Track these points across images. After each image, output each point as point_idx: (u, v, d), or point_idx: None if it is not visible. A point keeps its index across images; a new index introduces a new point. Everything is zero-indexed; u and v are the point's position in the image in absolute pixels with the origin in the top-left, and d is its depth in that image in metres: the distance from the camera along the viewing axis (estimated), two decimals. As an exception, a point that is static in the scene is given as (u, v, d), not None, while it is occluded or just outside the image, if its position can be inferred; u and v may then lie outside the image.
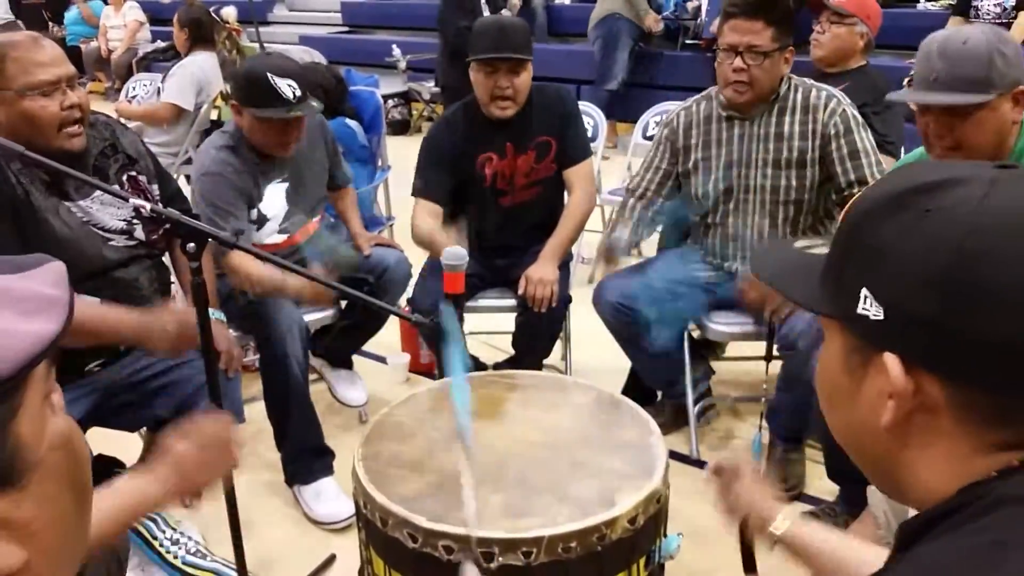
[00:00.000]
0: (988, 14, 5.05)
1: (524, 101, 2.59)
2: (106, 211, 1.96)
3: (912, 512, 1.40)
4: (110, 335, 1.85)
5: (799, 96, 2.39)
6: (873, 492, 1.52)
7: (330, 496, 2.42)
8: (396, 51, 7.40)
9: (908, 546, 0.67)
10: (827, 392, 0.76)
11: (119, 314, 1.85)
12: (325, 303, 2.41)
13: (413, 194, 2.70)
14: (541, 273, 2.52)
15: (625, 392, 2.65)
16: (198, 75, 4.60)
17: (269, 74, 2.31)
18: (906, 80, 2.31)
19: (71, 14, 9.53)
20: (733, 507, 1.28)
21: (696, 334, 2.74)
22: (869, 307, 0.66)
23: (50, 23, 8.98)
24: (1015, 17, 4.97)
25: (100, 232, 1.94)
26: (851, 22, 2.98)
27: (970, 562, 0.58)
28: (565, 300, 2.64)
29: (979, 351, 0.62)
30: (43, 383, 0.60)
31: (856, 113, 2.38)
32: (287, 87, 2.31)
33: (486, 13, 5.26)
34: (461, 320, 1.73)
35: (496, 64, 2.50)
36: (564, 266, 2.69)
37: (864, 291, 0.67)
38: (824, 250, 0.77)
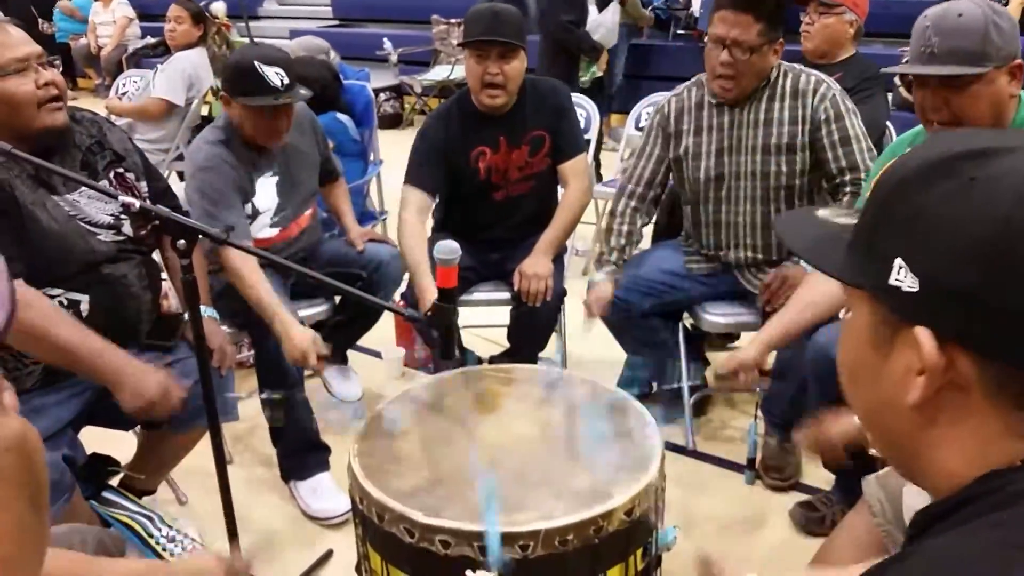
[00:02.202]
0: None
1: (515, 91, 2.58)
2: (93, 205, 1.95)
3: (908, 501, 1.40)
4: (87, 367, 1.75)
5: (788, 82, 2.38)
6: (868, 482, 1.52)
7: (326, 492, 2.41)
8: (387, 44, 7.37)
9: (924, 532, 0.65)
10: (850, 367, 0.73)
11: (101, 347, 1.76)
12: (301, 363, 2.32)
13: (404, 182, 2.68)
14: (535, 267, 2.52)
15: (620, 384, 2.66)
16: (188, 71, 4.58)
17: (256, 62, 2.30)
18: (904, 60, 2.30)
19: (57, 12, 9.46)
20: None
21: (691, 325, 2.74)
22: (903, 278, 0.63)
23: (39, 19, 8.91)
24: (1006, 4, 4.97)
25: (87, 226, 1.93)
26: (839, 11, 2.97)
27: (985, 559, 0.57)
28: (560, 294, 2.63)
29: (1017, 328, 0.59)
30: None
31: (846, 99, 2.38)
32: (275, 75, 2.30)
33: (592, 8, 5.22)
34: (456, 314, 1.72)
35: (487, 49, 2.49)
36: (558, 259, 2.69)
37: (898, 261, 0.64)
38: (848, 219, 0.74)
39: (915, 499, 1.35)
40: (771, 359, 2.41)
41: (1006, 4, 4.98)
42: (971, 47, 1.71)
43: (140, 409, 1.79)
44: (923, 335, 0.63)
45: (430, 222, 2.75)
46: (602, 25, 5.27)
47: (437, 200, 2.71)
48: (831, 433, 1.63)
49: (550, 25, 5.12)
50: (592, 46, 5.14)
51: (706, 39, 2.38)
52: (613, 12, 5.42)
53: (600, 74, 5.28)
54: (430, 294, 2.17)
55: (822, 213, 0.80)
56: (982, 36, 1.71)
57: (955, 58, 1.72)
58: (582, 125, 3.30)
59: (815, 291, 2.04)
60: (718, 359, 2.99)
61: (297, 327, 2.18)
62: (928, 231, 0.63)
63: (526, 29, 2.62)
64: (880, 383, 0.68)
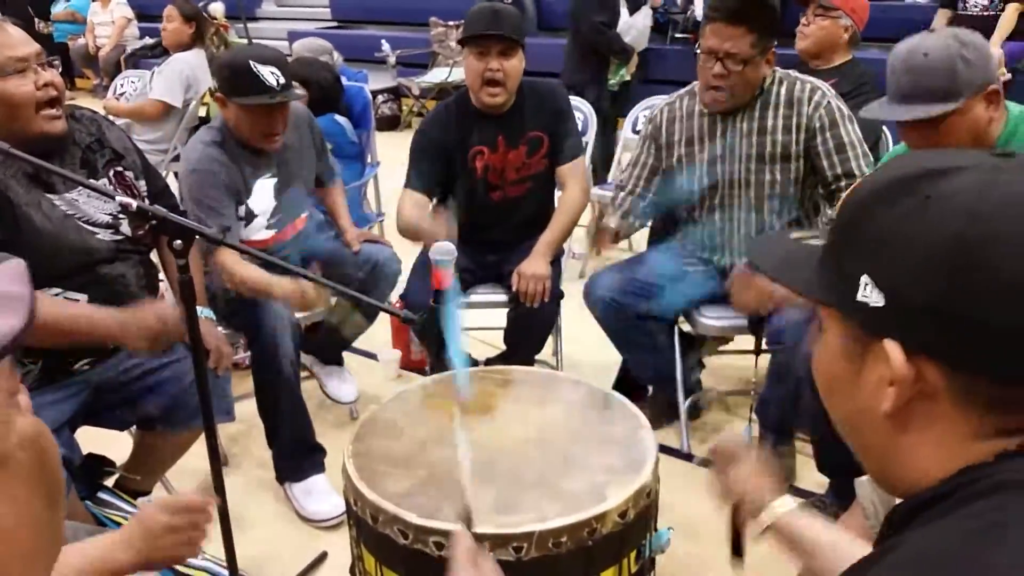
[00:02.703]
0: (975, 7, 5.06)
1: (514, 89, 2.59)
2: (92, 204, 1.95)
3: (898, 502, 1.41)
4: (86, 335, 1.81)
5: (783, 90, 2.39)
6: (862, 484, 1.52)
7: (321, 493, 2.42)
8: (385, 46, 7.38)
9: (899, 529, 0.67)
10: (826, 380, 0.76)
11: (94, 312, 1.82)
12: (311, 308, 2.38)
13: (404, 186, 2.69)
14: (534, 269, 2.52)
15: (616, 387, 2.66)
16: (186, 72, 4.58)
17: (251, 62, 2.30)
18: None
19: (59, 10, 9.46)
20: (727, 491, 1.27)
21: (686, 328, 2.75)
22: (869, 294, 0.66)
23: (36, 19, 8.90)
24: (1002, 9, 4.98)
25: (85, 225, 1.93)
26: (836, 15, 2.99)
27: (964, 546, 0.59)
28: (557, 295, 2.64)
29: (980, 337, 0.62)
30: (6, 382, 0.58)
31: (842, 106, 2.38)
32: (270, 74, 2.31)
33: (624, 10, 5.22)
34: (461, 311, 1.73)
35: (487, 46, 2.50)
36: (555, 262, 2.69)
37: (864, 278, 0.67)
38: (821, 241, 0.76)
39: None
40: (765, 363, 2.42)
41: (1002, 9, 4.98)
42: (940, 84, 1.74)
43: (153, 344, 1.83)
44: (891, 348, 0.65)
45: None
46: (633, 27, 5.26)
47: (435, 201, 2.71)
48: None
49: (582, 26, 5.10)
50: (623, 48, 5.12)
51: (698, 51, 2.38)
52: (644, 15, 5.40)
53: (628, 77, 5.26)
54: (430, 230, 2.29)
55: (795, 234, 0.83)
56: (950, 72, 1.74)
57: (926, 97, 1.75)
58: (579, 128, 3.31)
59: None
60: (713, 363, 3.01)
61: (294, 282, 2.22)
62: (889, 248, 0.66)
63: (525, 30, 2.64)
64: (855, 394, 0.71)
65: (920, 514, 0.66)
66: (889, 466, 0.72)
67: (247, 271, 2.28)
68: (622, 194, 2.63)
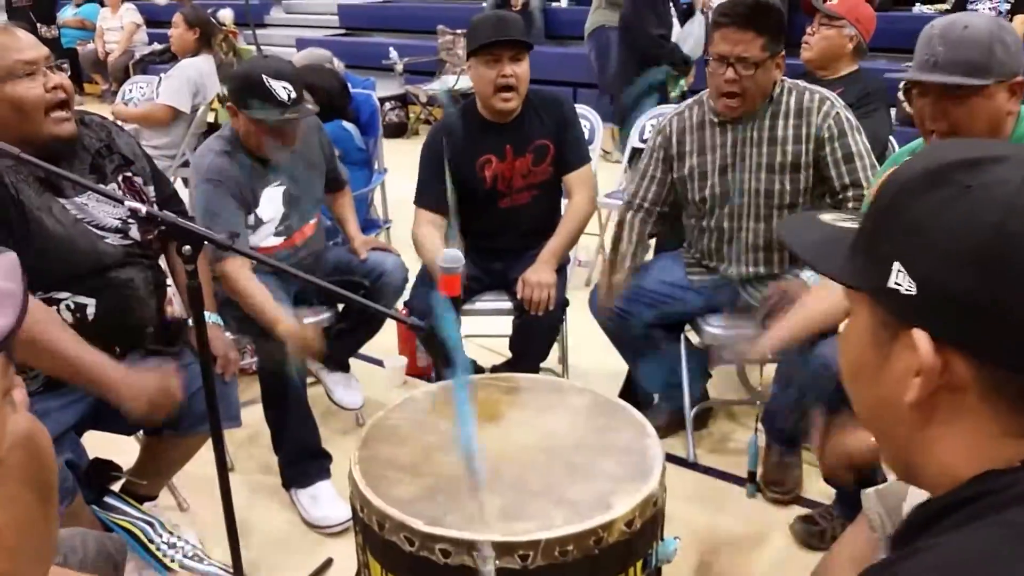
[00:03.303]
0: (983, 18, 5.06)
1: (524, 94, 2.60)
2: (101, 208, 1.96)
3: (905, 513, 1.40)
4: (82, 377, 1.77)
5: (792, 100, 2.39)
6: (868, 495, 1.52)
7: (326, 500, 2.41)
8: (393, 54, 7.40)
9: (923, 531, 0.66)
10: (851, 367, 0.75)
11: (101, 361, 1.78)
12: (306, 355, 2.32)
13: (414, 202, 2.71)
14: (539, 276, 2.52)
15: (622, 395, 2.66)
16: (195, 77, 4.60)
17: (264, 76, 2.31)
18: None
19: (68, 16, 9.52)
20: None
21: (693, 338, 2.74)
22: (901, 281, 0.65)
23: (39, 24, 8.94)
24: (1010, 20, 4.99)
25: (95, 230, 1.94)
26: (840, 24, 2.99)
27: (989, 557, 0.58)
28: (562, 303, 2.64)
29: (1011, 331, 0.61)
30: (3, 380, 0.58)
31: (850, 116, 2.38)
32: (282, 89, 2.32)
33: (675, 21, 5.22)
34: (458, 323, 1.73)
35: (498, 52, 2.51)
36: (561, 270, 2.69)
37: (897, 265, 0.66)
38: (850, 223, 0.75)
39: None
40: (771, 372, 2.42)
41: (1010, 20, 4.99)
42: (975, 59, 1.72)
43: (146, 412, 1.80)
44: (920, 337, 0.65)
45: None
46: (690, 36, 5.26)
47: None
48: (844, 447, 1.64)
49: (637, 39, 5.10)
50: (684, 59, 5.12)
51: (708, 58, 2.39)
52: (698, 23, 5.35)
53: (686, 88, 5.21)
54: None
55: (825, 217, 0.81)
56: (987, 49, 1.72)
57: (958, 68, 1.73)
58: (585, 136, 3.32)
59: (816, 303, 2.05)
60: (720, 371, 3.01)
61: (296, 325, 2.23)
62: (925, 236, 0.65)
63: (529, 36, 2.66)
64: (880, 383, 0.70)
65: (946, 517, 0.64)
66: (911, 458, 0.71)
67: (257, 295, 2.28)
68: (630, 213, 2.62)
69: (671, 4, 5.23)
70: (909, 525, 0.69)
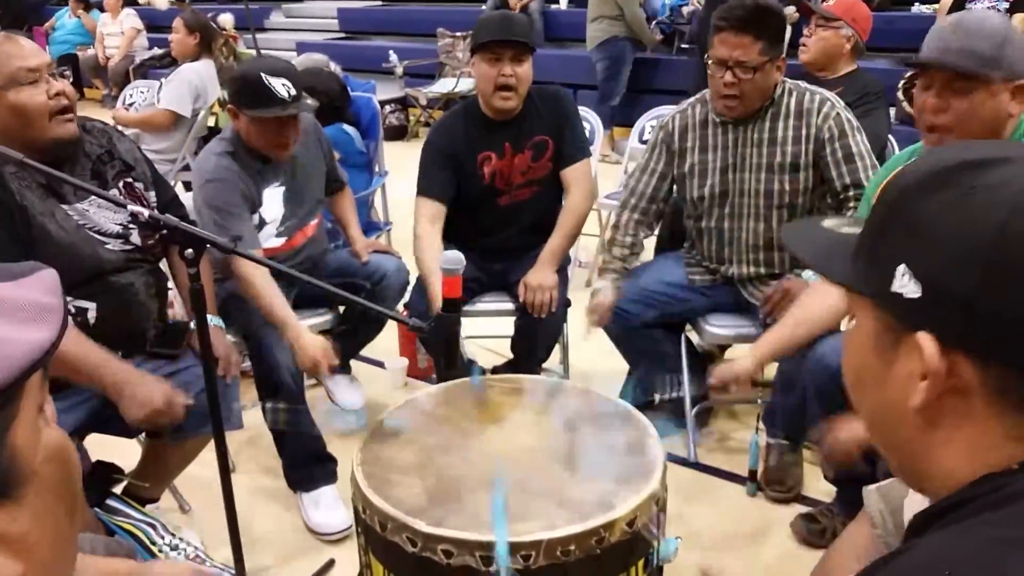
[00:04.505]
0: (982, 17, 5.06)
1: (524, 94, 2.60)
2: (103, 214, 1.97)
3: (909, 512, 1.40)
4: (87, 375, 1.79)
5: (793, 100, 2.40)
6: (869, 493, 1.52)
7: (328, 505, 2.41)
8: (393, 57, 7.41)
9: (920, 533, 0.66)
10: (855, 372, 0.74)
11: (104, 359, 1.80)
12: (312, 372, 2.33)
13: (417, 194, 2.71)
14: (540, 279, 2.53)
15: (623, 395, 2.66)
16: (195, 82, 4.61)
17: (263, 74, 2.32)
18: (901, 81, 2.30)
19: (65, 22, 9.53)
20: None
21: (694, 338, 2.75)
22: (905, 284, 0.65)
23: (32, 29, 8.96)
24: (1009, 19, 4.99)
25: (96, 235, 1.95)
26: (837, 25, 3.00)
27: (981, 554, 0.58)
28: (564, 305, 2.64)
29: (1017, 332, 0.60)
30: (37, 393, 0.59)
31: (851, 116, 2.39)
32: (281, 86, 2.32)
33: None
34: (459, 325, 1.73)
35: (500, 52, 2.52)
36: (562, 270, 2.69)
37: (901, 268, 0.65)
38: (853, 229, 0.75)
39: (917, 510, 1.36)
40: (772, 370, 2.42)
41: (1009, 19, 4.99)
42: (986, 50, 1.72)
43: (144, 419, 1.81)
44: (925, 341, 0.64)
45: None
46: None
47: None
48: (842, 437, 1.65)
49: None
50: None
51: (708, 60, 2.39)
52: None
53: None
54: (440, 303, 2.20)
55: (828, 223, 0.81)
56: (1000, 42, 1.72)
57: (969, 57, 1.73)
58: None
59: (812, 306, 2.05)
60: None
61: (308, 335, 2.21)
62: (929, 239, 0.64)
63: (535, 35, 2.66)
64: (884, 388, 0.70)
65: (939, 519, 0.64)
66: (915, 463, 0.70)
67: (270, 299, 2.26)
68: (625, 214, 2.62)
69: None
70: (910, 530, 0.69)
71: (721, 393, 2.10)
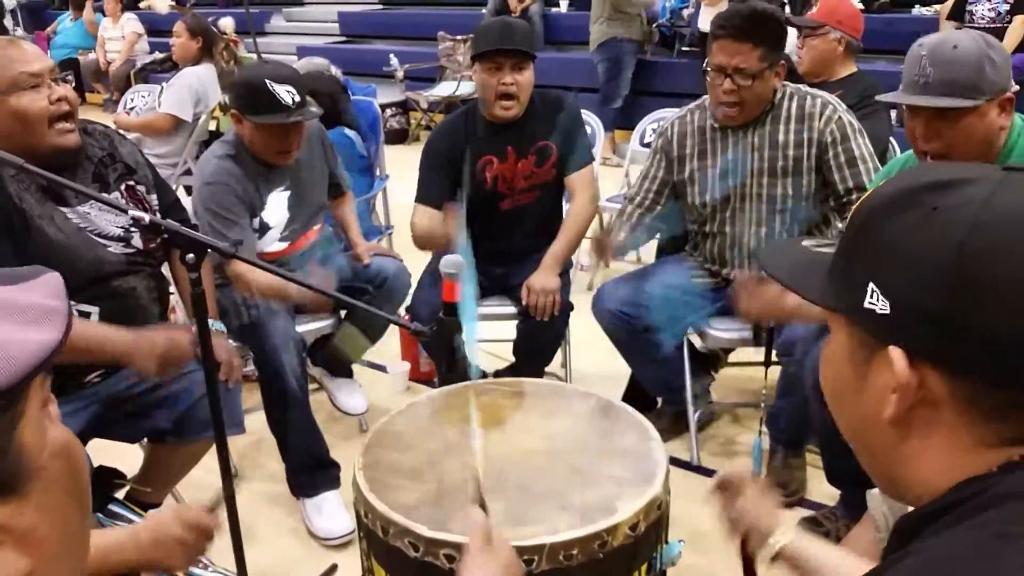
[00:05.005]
0: (983, 19, 5.07)
1: (526, 102, 2.60)
2: (104, 217, 1.97)
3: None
4: (95, 352, 1.81)
5: (794, 104, 2.39)
6: (872, 496, 1.52)
7: (330, 511, 2.41)
8: (394, 61, 7.42)
9: (906, 540, 0.67)
10: (832, 386, 0.77)
11: (105, 331, 1.83)
12: (327, 309, 2.41)
13: (415, 200, 2.71)
14: (543, 282, 2.52)
15: (625, 399, 2.66)
16: (196, 86, 4.61)
17: (267, 81, 2.32)
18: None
19: (66, 27, 9.55)
20: (736, 522, 1.28)
21: (696, 341, 2.74)
22: (876, 301, 0.67)
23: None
24: (1009, 22, 4.99)
25: (97, 238, 1.95)
26: (823, 32, 2.99)
27: (973, 555, 0.59)
28: (567, 308, 2.64)
29: (982, 345, 0.63)
30: (41, 392, 0.60)
31: (853, 119, 2.38)
32: (285, 93, 2.32)
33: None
34: (460, 328, 1.74)
35: (500, 61, 2.51)
36: (564, 273, 2.69)
37: (871, 286, 0.68)
38: (831, 249, 0.78)
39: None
40: (775, 376, 2.41)
41: (1009, 21, 4.99)
42: (966, 80, 1.73)
43: (160, 367, 1.83)
44: (895, 354, 0.67)
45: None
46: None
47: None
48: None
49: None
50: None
51: (707, 68, 2.38)
52: None
53: None
54: (444, 232, 2.29)
55: (807, 242, 0.84)
56: (977, 69, 1.73)
57: (949, 89, 1.74)
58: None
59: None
60: (723, 375, 3.01)
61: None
62: (896, 257, 0.67)
63: (535, 43, 2.65)
64: (860, 401, 0.72)
65: (927, 526, 0.66)
66: (893, 473, 0.73)
67: (262, 276, 2.29)
68: (631, 207, 2.63)
69: None
70: (894, 535, 0.71)
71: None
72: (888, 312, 0.67)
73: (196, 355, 2.02)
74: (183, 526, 1.30)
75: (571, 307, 2.69)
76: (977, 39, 1.76)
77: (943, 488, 0.67)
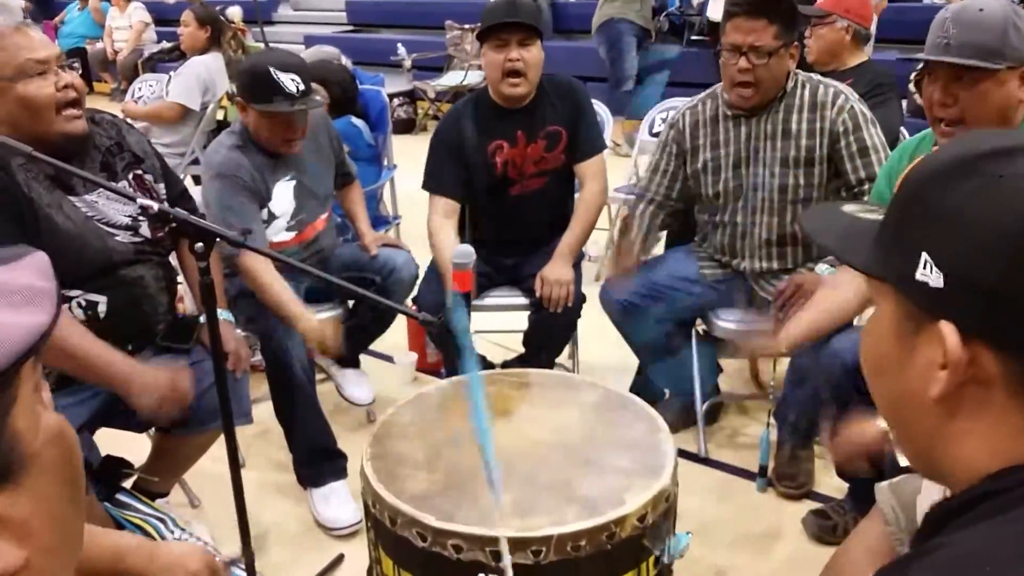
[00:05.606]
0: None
1: (535, 81, 2.58)
2: (112, 206, 1.96)
3: (922, 508, 1.39)
4: (95, 372, 1.81)
5: (807, 93, 2.37)
6: (881, 489, 1.51)
7: (338, 501, 2.41)
8: (401, 50, 7.40)
9: (940, 528, 0.65)
10: (874, 360, 0.74)
11: (111, 354, 1.82)
12: (324, 353, 2.41)
13: (424, 187, 2.70)
14: (558, 274, 2.51)
15: (633, 390, 2.65)
16: (204, 75, 4.61)
17: (272, 69, 2.31)
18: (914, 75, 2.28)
19: (74, 16, 9.55)
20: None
21: (703, 331, 2.73)
22: (928, 272, 0.64)
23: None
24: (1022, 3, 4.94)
25: (105, 227, 1.94)
26: (830, 20, 2.97)
27: (1000, 554, 0.57)
28: (580, 300, 2.63)
29: None
30: (32, 376, 0.59)
31: (865, 109, 2.36)
32: (290, 81, 2.31)
33: None
34: (468, 317, 1.73)
35: (506, 37, 2.50)
36: (577, 265, 2.68)
37: (924, 255, 0.65)
38: (874, 215, 0.74)
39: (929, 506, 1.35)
40: (784, 366, 2.41)
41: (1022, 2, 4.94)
42: (988, 42, 1.70)
43: (155, 407, 1.82)
44: (947, 329, 0.63)
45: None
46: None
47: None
48: (855, 440, 1.63)
49: None
50: None
51: (721, 49, 2.37)
52: None
53: None
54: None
55: (848, 208, 0.80)
56: (1001, 33, 1.70)
57: (971, 51, 1.71)
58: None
59: (831, 298, 2.04)
60: (731, 365, 3.00)
61: (316, 321, 2.25)
62: (954, 226, 0.64)
63: (543, 23, 2.63)
64: (903, 376, 0.69)
65: (963, 514, 0.64)
66: (933, 453, 0.69)
67: (277, 289, 2.30)
68: (643, 204, 2.61)
69: None
70: (926, 523, 0.68)
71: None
72: (941, 285, 0.63)
73: (204, 345, 2.03)
74: (202, 565, 1.29)
75: (584, 299, 2.68)
76: (1005, 5, 1.74)
77: (985, 472, 0.64)
